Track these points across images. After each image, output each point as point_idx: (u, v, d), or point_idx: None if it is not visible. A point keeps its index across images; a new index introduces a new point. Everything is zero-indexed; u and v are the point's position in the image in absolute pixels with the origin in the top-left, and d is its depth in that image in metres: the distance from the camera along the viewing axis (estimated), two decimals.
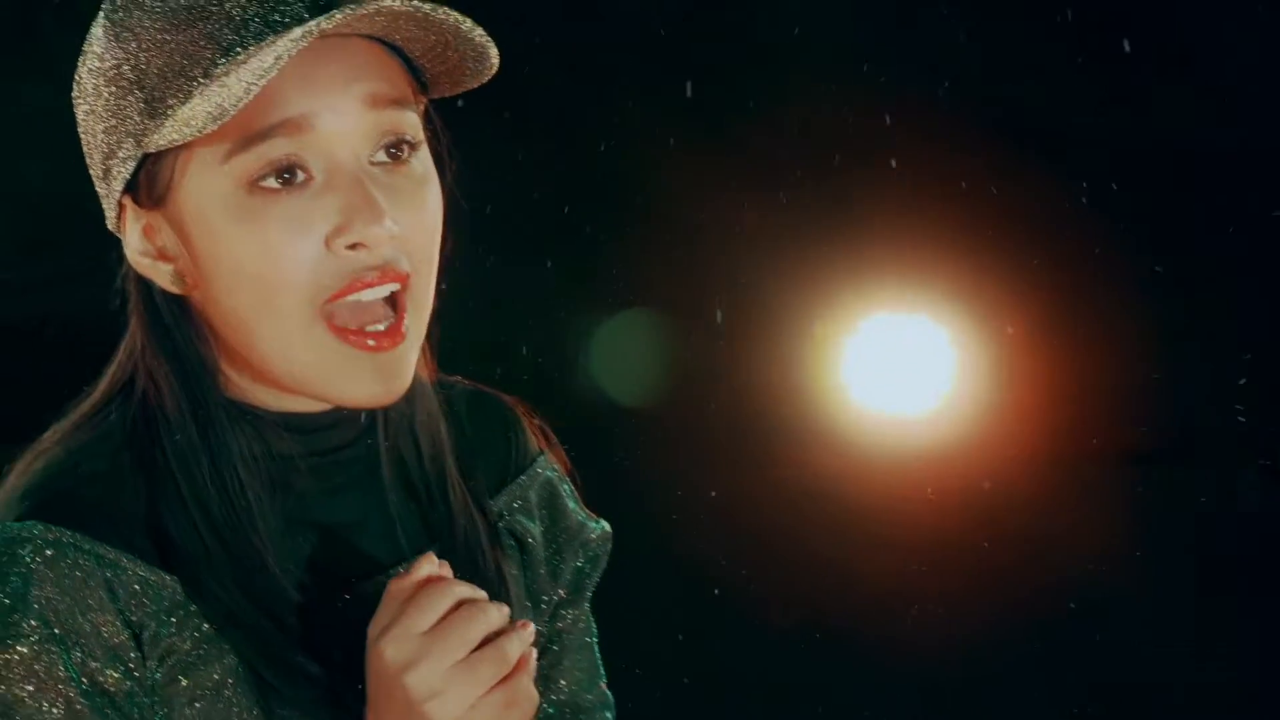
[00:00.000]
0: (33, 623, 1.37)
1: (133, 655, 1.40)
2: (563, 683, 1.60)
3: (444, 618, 1.38)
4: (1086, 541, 3.84)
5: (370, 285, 1.40)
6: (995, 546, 3.90)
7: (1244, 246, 3.80)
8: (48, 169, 3.58)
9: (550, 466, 1.62)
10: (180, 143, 1.38)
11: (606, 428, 3.98)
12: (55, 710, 1.37)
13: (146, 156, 1.41)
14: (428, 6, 1.37)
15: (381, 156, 1.42)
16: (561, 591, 1.60)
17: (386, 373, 1.41)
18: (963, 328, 3.91)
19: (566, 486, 1.63)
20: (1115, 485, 3.92)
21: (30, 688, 1.37)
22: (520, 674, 1.39)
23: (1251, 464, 3.98)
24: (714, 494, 3.90)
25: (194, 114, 1.35)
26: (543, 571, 1.59)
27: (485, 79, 1.45)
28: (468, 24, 1.40)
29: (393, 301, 1.42)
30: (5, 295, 3.97)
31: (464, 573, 1.46)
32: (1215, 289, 3.86)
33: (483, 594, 1.41)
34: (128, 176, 1.42)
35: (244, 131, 1.38)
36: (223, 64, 1.37)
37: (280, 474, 1.46)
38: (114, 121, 1.41)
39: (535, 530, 1.58)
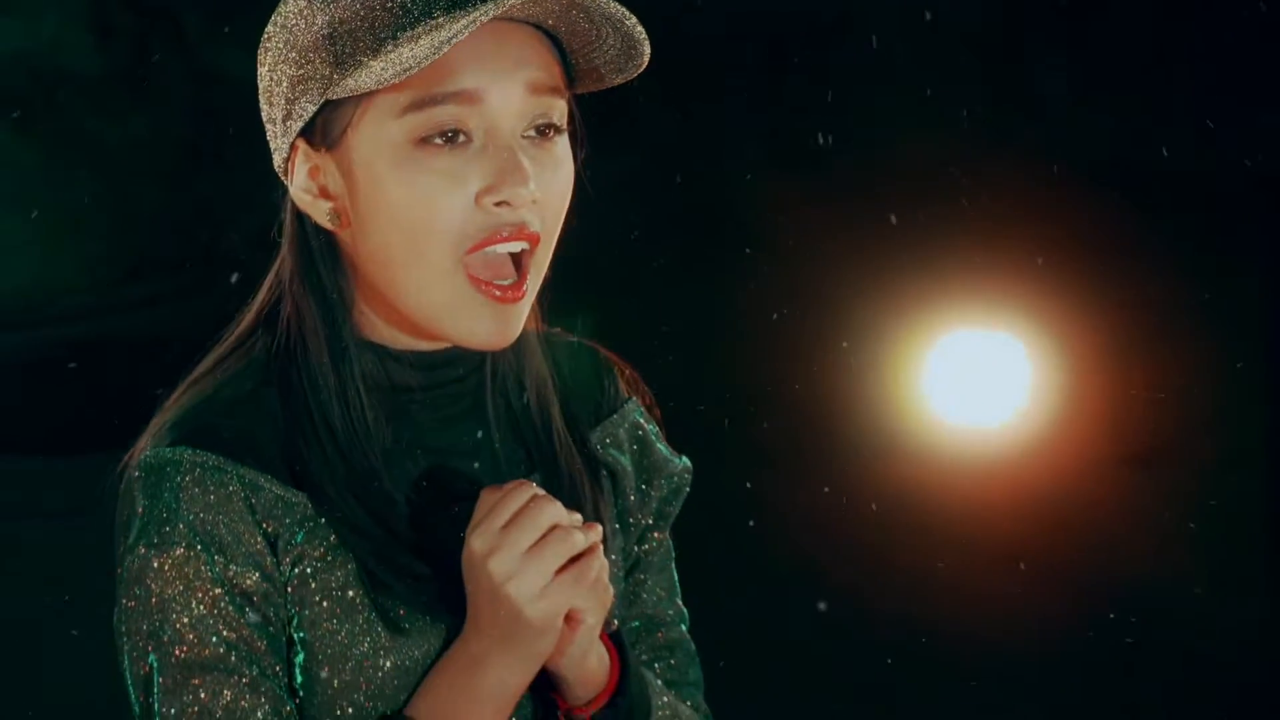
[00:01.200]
0: (183, 530, 1.53)
1: (269, 561, 1.56)
2: (645, 598, 1.75)
3: (517, 514, 1.54)
4: (1158, 548, 3.94)
5: (506, 240, 1.56)
6: (1071, 554, 4.00)
7: None
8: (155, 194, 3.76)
9: (638, 409, 1.78)
10: (364, 91, 1.51)
11: (687, 441, 4.07)
12: (201, 608, 1.52)
13: (327, 103, 1.55)
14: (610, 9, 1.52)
15: (531, 133, 1.58)
16: (647, 518, 1.75)
17: (503, 321, 1.57)
18: (1038, 342, 4.03)
19: (652, 426, 1.79)
20: (1186, 494, 4.02)
21: (180, 587, 1.52)
22: (590, 557, 1.56)
23: None
24: (797, 504, 4.03)
25: (385, 67, 1.49)
26: (632, 499, 1.74)
27: (631, 75, 1.61)
28: (631, 20, 1.56)
29: (518, 262, 1.59)
30: (117, 311, 4.11)
31: (564, 500, 1.62)
32: None
33: (547, 495, 1.57)
34: (306, 119, 1.55)
35: (422, 93, 1.53)
36: (411, 29, 1.51)
37: (400, 404, 1.61)
38: (303, 70, 1.54)
39: (625, 462, 1.73)
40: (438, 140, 1.54)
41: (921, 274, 4.00)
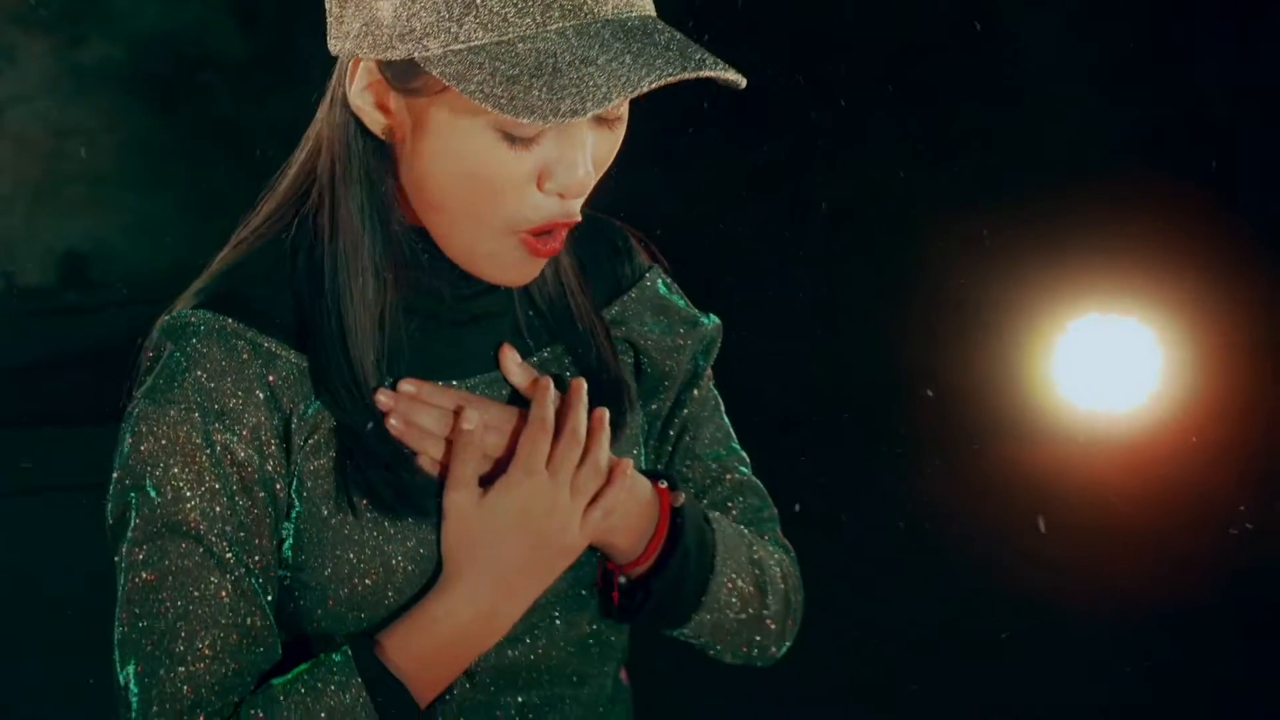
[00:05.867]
0: (186, 391, 1.47)
1: (274, 442, 1.50)
2: (701, 451, 1.71)
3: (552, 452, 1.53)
4: (1275, 532, 3.97)
5: (557, 229, 1.53)
6: (1195, 536, 4.02)
7: None
8: None
9: (660, 276, 1.73)
10: (470, 96, 1.42)
11: (827, 421, 4.12)
12: (186, 471, 1.47)
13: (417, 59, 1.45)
14: (732, 75, 1.45)
15: (598, 119, 1.52)
16: (682, 376, 1.71)
17: (533, 268, 1.55)
18: (1169, 330, 4.10)
19: (676, 294, 1.74)
20: None
21: (164, 443, 1.47)
22: (615, 486, 1.54)
23: None
24: (929, 486, 4.05)
25: (506, 94, 1.41)
26: (661, 367, 1.70)
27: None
28: (736, 80, 1.48)
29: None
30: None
31: (586, 363, 1.62)
32: None
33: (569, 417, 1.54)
34: (390, 59, 1.47)
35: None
36: (552, 56, 1.43)
37: (424, 280, 1.56)
38: (416, 6, 1.45)
39: (650, 332, 1.70)
40: (517, 134, 1.49)
41: (1055, 261, 4.07)
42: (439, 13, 1.43)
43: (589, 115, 1.40)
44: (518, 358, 1.59)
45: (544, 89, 1.41)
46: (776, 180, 3.94)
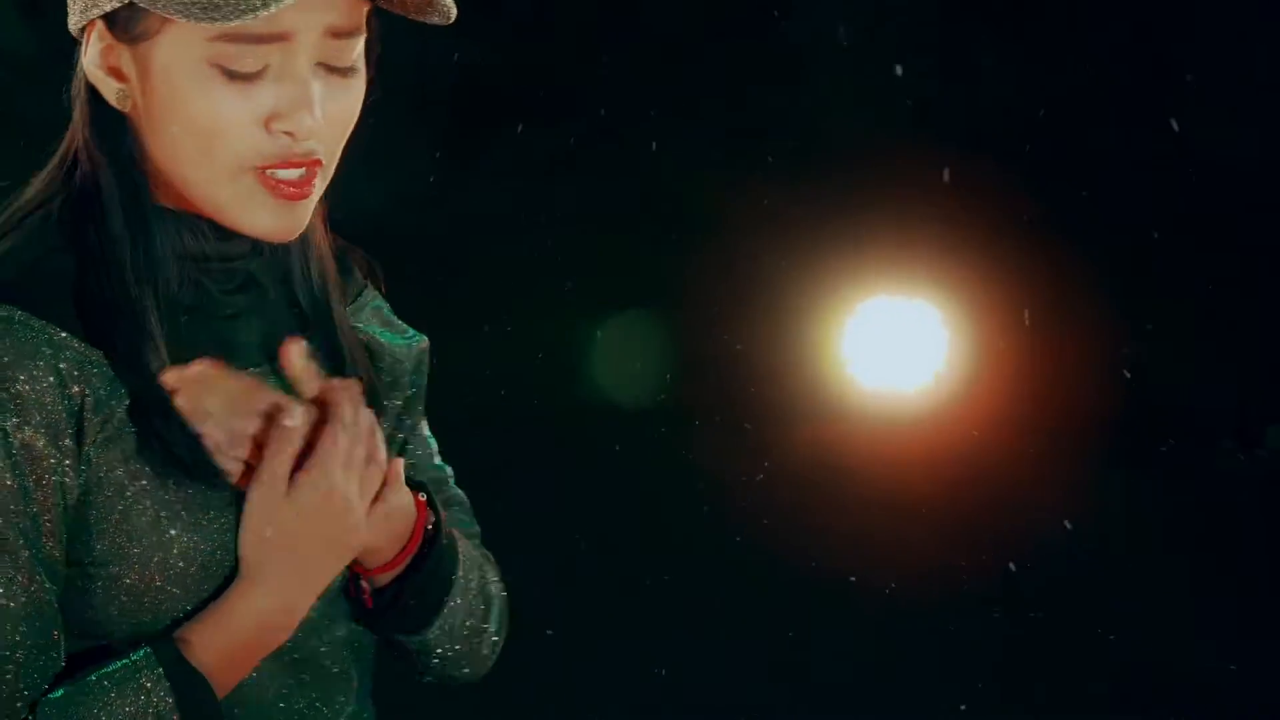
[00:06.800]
0: None
1: (66, 429, 1.49)
2: (419, 460, 1.73)
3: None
4: (1055, 504, 4.04)
5: (293, 166, 1.56)
6: (979, 508, 4.12)
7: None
8: None
9: (375, 294, 1.76)
10: (170, 16, 1.48)
11: (624, 412, 4.17)
12: None
13: (132, 3, 1.50)
14: None
15: (325, 64, 1.57)
16: (406, 389, 1.74)
17: (290, 216, 1.57)
18: (954, 311, 4.21)
19: (389, 311, 1.77)
20: (1089, 455, 4.16)
21: None
22: (393, 486, 1.57)
23: (1214, 443, 4.23)
24: (728, 460, 4.10)
25: (197, 4, 1.47)
26: (392, 373, 1.73)
27: (436, 23, 1.58)
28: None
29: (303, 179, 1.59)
30: None
31: (337, 362, 1.63)
32: (1182, 275, 4.12)
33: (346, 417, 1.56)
34: (110, 10, 1.51)
35: (237, 27, 1.51)
36: None
37: (190, 271, 1.59)
38: None
39: (379, 339, 1.73)
40: (235, 68, 1.53)
41: (845, 245, 4.16)
42: None
43: (265, 12, 1.45)
44: (303, 351, 1.59)
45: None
46: (573, 165, 3.96)
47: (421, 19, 1.57)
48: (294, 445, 1.54)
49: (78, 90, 1.57)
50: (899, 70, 4.04)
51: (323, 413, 1.56)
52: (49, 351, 1.49)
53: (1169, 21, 4.04)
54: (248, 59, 1.52)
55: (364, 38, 1.56)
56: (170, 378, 1.53)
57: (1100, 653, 3.99)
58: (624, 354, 4.13)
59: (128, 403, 1.51)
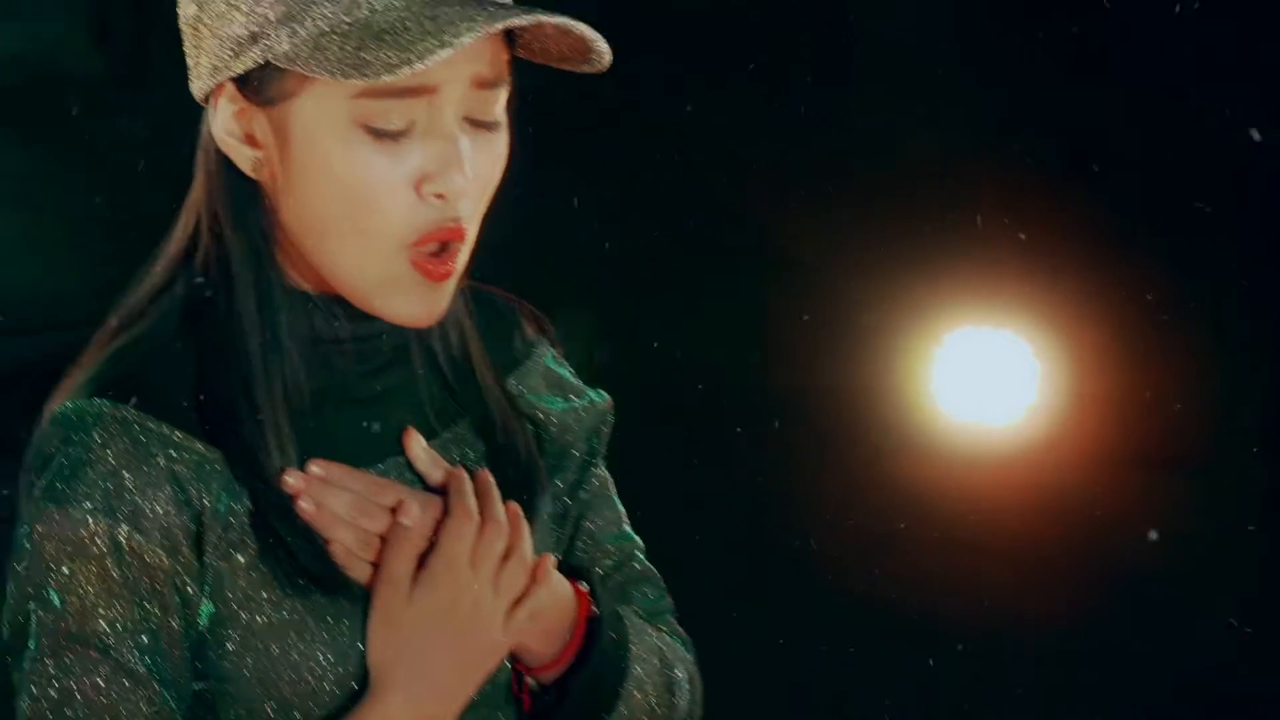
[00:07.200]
0: (88, 490, 1.40)
1: (183, 540, 1.43)
2: (601, 539, 1.67)
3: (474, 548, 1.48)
4: (1152, 545, 3.93)
5: (444, 238, 1.48)
6: (1071, 550, 4.02)
7: None
8: None
9: (548, 350, 1.69)
10: (318, 76, 1.42)
11: (698, 442, 4.09)
12: (91, 578, 1.40)
13: (269, 64, 1.44)
14: (581, 27, 1.45)
15: (470, 119, 1.50)
16: (580, 456, 1.66)
17: (433, 300, 1.49)
18: (1046, 342, 4.05)
19: (565, 368, 1.69)
20: (1189, 495, 4.04)
21: (68, 547, 1.40)
22: (537, 586, 1.50)
23: None
24: (812, 494, 4.04)
25: (347, 60, 1.39)
26: (560, 442, 1.64)
27: (586, 71, 1.51)
28: (600, 44, 1.48)
29: (448, 250, 1.52)
30: None
31: (494, 442, 1.57)
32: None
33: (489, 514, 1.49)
34: (244, 71, 1.45)
35: (380, 84, 1.44)
36: (383, 17, 1.42)
37: (323, 355, 1.51)
38: (253, 12, 1.44)
39: (549, 407, 1.65)
40: (381, 126, 1.46)
41: (932, 272, 4.02)
42: (285, 6, 1.42)
43: (419, 65, 1.38)
44: (423, 442, 1.53)
45: (386, 51, 1.39)
46: (643, 190, 3.90)
47: (570, 68, 1.51)
48: (413, 544, 1.48)
49: (204, 161, 1.51)
50: (986, 91, 3.92)
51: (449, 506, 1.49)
52: (166, 454, 1.43)
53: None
54: (393, 115, 1.45)
55: (508, 90, 1.51)
56: (291, 481, 1.46)
57: (1195, 698, 3.91)
58: (705, 385, 4.08)
59: (250, 508, 1.45)
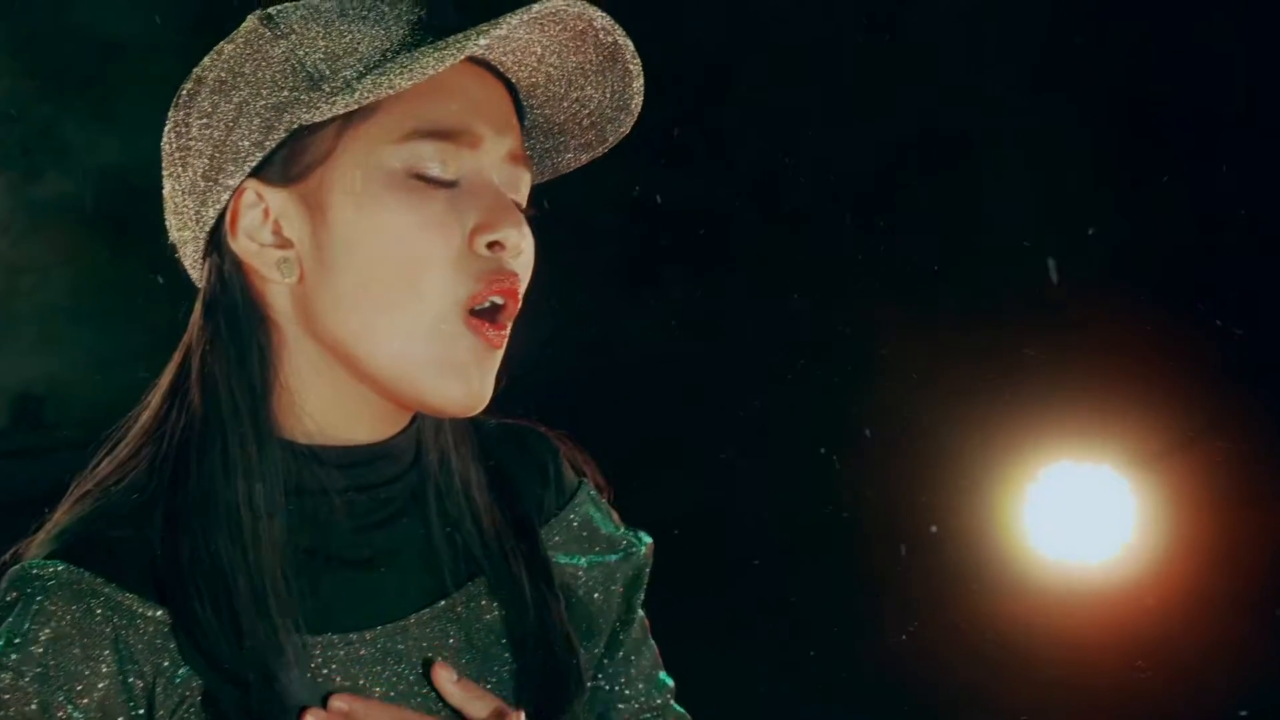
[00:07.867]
0: (24, 657, 1.36)
1: (127, 713, 1.38)
2: (637, 687, 1.60)
3: None
4: (1267, 689, 3.84)
5: (505, 292, 1.44)
6: (1169, 693, 3.91)
7: None
8: None
9: (588, 494, 1.61)
10: (365, 103, 1.40)
11: (788, 560, 4.01)
12: None
13: (297, 133, 1.43)
14: (582, 6, 1.43)
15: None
16: (615, 616, 1.59)
17: (480, 373, 1.43)
18: (1144, 479, 3.97)
19: (605, 513, 1.61)
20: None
21: (3, 713, 1.34)
22: None
23: None
24: (903, 636, 3.97)
25: (383, 77, 1.37)
26: (591, 605, 1.57)
27: (604, 141, 1.52)
28: (635, 65, 1.49)
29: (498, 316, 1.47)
30: None
31: (508, 598, 1.48)
32: None
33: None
34: (264, 154, 1.43)
35: (427, 123, 1.42)
36: (400, 53, 1.42)
37: (308, 509, 1.45)
38: (265, 100, 1.42)
39: (580, 564, 1.57)
40: (434, 174, 1.43)
41: (1025, 403, 3.94)
42: (288, 76, 1.40)
43: (460, 56, 1.35)
44: (453, 676, 1.45)
45: (427, 58, 1.38)
46: (738, 305, 3.87)
47: (574, 162, 1.51)
48: None
49: (202, 314, 1.46)
50: (1089, 230, 3.88)
51: None
52: (116, 624, 1.37)
53: None
54: (445, 161, 1.41)
55: (530, 180, 1.47)
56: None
57: None
58: (789, 508, 4.01)
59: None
